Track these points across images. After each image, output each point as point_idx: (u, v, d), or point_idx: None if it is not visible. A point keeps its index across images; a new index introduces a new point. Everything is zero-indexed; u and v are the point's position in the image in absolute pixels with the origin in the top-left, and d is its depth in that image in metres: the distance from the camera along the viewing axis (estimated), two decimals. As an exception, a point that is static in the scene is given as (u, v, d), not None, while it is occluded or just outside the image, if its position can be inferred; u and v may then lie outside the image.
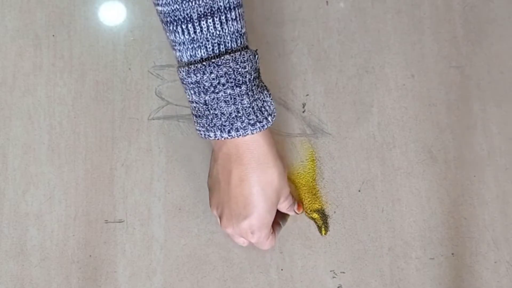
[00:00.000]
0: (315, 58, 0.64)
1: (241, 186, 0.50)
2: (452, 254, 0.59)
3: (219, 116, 0.47)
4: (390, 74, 0.64)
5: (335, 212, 0.60)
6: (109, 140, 0.61)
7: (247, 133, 0.47)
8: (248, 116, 0.47)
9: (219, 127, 0.47)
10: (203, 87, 0.46)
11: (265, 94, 0.49)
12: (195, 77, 0.46)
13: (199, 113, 0.48)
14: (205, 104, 0.47)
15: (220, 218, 0.52)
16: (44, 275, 0.58)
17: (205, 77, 0.46)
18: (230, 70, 0.45)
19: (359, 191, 0.60)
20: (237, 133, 0.47)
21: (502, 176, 0.61)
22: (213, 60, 0.45)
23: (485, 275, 0.59)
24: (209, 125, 0.48)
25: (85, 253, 0.59)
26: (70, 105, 0.62)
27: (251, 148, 0.49)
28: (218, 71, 0.45)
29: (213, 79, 0.45)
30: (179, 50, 0.47)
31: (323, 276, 0.58)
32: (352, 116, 0.62)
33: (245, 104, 0.47)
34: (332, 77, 0.63)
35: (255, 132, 0.47)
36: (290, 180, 0.60)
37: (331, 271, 0.59)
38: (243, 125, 0.47)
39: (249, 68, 0.46)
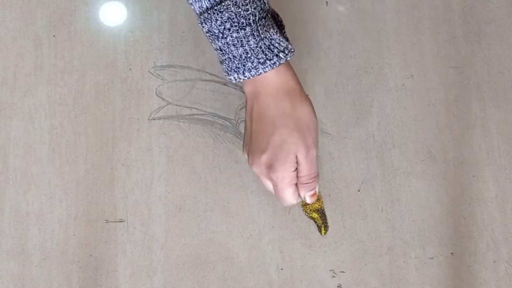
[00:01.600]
0: (315, 59, 0.64)
1: (260, 122, 0.51)
2: (451, 253, 0.59)
3: (232, 60, 0.49)
4: (389, 74, 0.64)
5: (334, 211, 0.60)
6: (110, 140, 0.61)
7: (259, 72, 0.49)
8: (257, 55, 0.49)
9: (235, 69, 0.50)
10: (214, 34, 0.49)
11: (272, 32, 0.50)
12: (206, 26, 0.49)
13: (220, 59, 0.51)
14: (220, 49, 0.50)
15: (248, 157, 0.53)
16: (45, 275, 0.58)
17: (213, 25, 0.48)
18: (233, 14, 0.47)
19: (359, 191, 0.61)
20: (250, 73, 0.49)
21: (501, 176, 0.61)
22: (215, 8, 0.48)
23: (484, 275, 0.59)
24: (228, 69, 0.51)
25: (86, 253, 0.59)
26: (71, 105, 0.62)
27: (265, 86, 0.50)
28: (222, 17, 0.48)
29: (220, 25, 0.48)
30: (192, 3, 0.50)
31: (322, 276, 0.58)
32: (351, 116, 0.63)
33: (252, 45, 0.48)
34: (332, 78, 0.64)
35: (267, 70, 0.49)
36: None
37: (330, 270, 0.59)
38: (254, 64, 0.49)
39: (252, 9, 0.48)
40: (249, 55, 0.49)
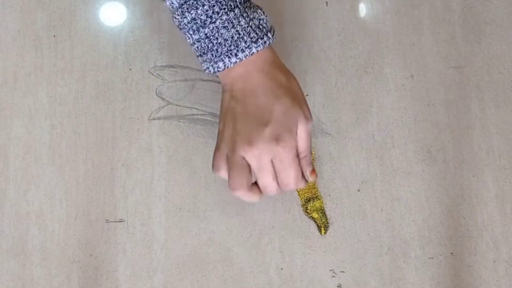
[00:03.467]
0: (315, 59, 0.64)
1: (256, 96, 0.50)
2: (451, 253, 0.59)
3: (223, 43, 0.49)
4: (389, 74, 0.64)
5: (334, 211, 0.60)
6: (110, 140, 0.61)
7: (252, 51, 0.49)
8: (249, 34, 0.49)
9: (226, 53, 0.49)
10: (200, 21, 0.49)
11: (259, 12, 0.51)
12: (190, 15, 0.49)
13: (204, 50, 0.50)
14: (207, 37, 0.49)
15: (238, 145, 0.49)
16: (45, 275, 0.58)
17: (199, 11, 0.48)
18: None
19: (359, 190, 0.61)
20: (243, 53, 0.49)
21: (501, 176, 0.61)
22: None
23: (484, 275, 0.59)
24: (216, 56, 0.50)
25: (86, 253, 0.59)
26: (71, 105, 0.62)
27: (257, 64, 0.50)
28: (209, 2, 0.48)
29: (207, 10, 0.48)
30: None
31: (322, 275, 0.59)
32: (351, 116, 0.63)
33: (243, 25, 0.49)
34: (332, 78, 0.64)
35: (259, 49, 0.49)
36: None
37: (330, 270, 0.59)
38: (247, 44, 0.49)
39: None
40: (241, 35, 0.49)
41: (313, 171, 0.53)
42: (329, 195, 0.60)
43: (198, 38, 0.50)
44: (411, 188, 0.61)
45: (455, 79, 0.64)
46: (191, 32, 0.50)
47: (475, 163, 0.62)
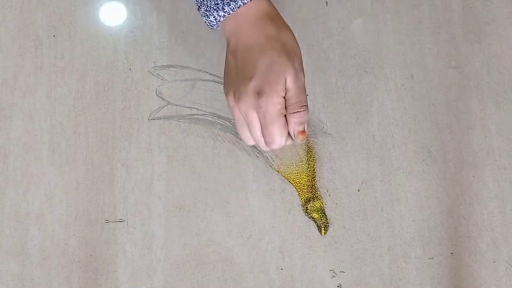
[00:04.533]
0: (315, 59, 0.64)
1: (246, 52, 0.50)
2: (451, 253, 0.59)
3: None
4: (389, 74, 0.64)
5: (334, 211, 0.60)
6: (110, 140, 0.61)
7: (238, 4, 0.49)
8: None
9: (214, 7, 0.50)
10: None
11: None
12: None
13: (198, 3, 0.51)
14: None
15: (234, 97, 0.50)
16: (45, 275, 0.58)
17: None
18: None
19: (359, 190, 0.61)
20: (229, 7, 0.49)
21: (501, 176, 0.61)
22: None
23: (484, 275, 0.59)
24: (207, 10, 0.50)
25: (86, 253, 0.59)
26: (71, 105, 0.62)
27: (248, 16, 0.50)
28: None
29: None
30: None
31: (322, 276, 0.59)
32: (351, 116, 0.63)
33: None
34: (332, 78, 0.64)
35: (245, 2, 0.49)
36: (290, 180, 0.61)
37: (330, 270, 0.59)
38: None
39: None
40: None
41: (303, 131, 0.51)
42: (329, 195, 0.60)
43: None
44: (411, 188, 0.61)
45: (455, 79, 0.64)
46: None
47: (475, 163, 0.62)
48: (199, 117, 0.62)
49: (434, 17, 0.65)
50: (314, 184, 0.60)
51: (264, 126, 0.49)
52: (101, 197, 0.60)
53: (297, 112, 0.49)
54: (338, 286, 0.58)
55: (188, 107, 0.62)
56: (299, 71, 0.49)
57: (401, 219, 0.60)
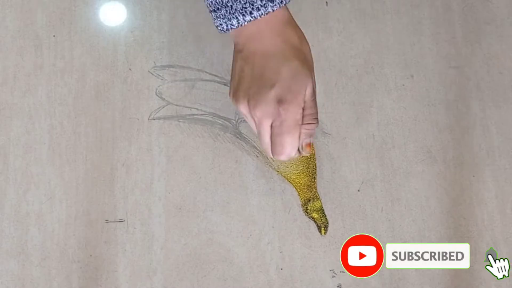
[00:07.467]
0: (315, 59, 0.64)
1: (266, 58, 0.48)
2: (451, 253, 0.59)
3: (239, 0, 0.47)
4: (389, 74, 0.64)
5: (334, 211, 0.60)
6: (110, 140, 0.61)
7: (268, 10, 0.47)
8: None
9: (240, 11, 0.47)
10: None
11: None
12: None
13: (218, 5, 0.48)
14: None
15: (249, 103, 0.49)
16: (45, 275, 0.58)
17: None
18: None
19: (359, 190, 0.61)
20: (259, 12, 0.47)
21: (501, 176, 0.61)
22: None
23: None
24: (230, 13, 0.48)
25: (86, 253, 0.59)
26: (71, 105, 0.62)
27: (271, 23, 0.49)
28: None
29: None
30: None
31: (322, 276, 0.59)
32: (351, 116, 0.63)
33: None
34: (332, 78, 0.64)
35: (275, 8, 0.48)
36: (290, 180, 0.61)
37: (330, 270, 0.59)
38: (263, 2, 0.47)
39: None
40: None
41: (310, 144, 0.50)
42: (329, 195, 0.60)
43: None
44: (411, 188, 0.61)
45: (455, 79, 0.64)
46: None
47: (475, 163, 0.62)
48: (199, 117, 0.62)
49: (434, 17, 0.65)
50: (314, 184, 0.60)
51: (277, 135, 0.49)
52: (101, 197, 0.60)
53: (309, 124, 0.50)
54: (338, 286, 0.58)
55: (188, 107, 0.62)
56: (315, 85, 0.50)
57: (401, 219, 0.60)
